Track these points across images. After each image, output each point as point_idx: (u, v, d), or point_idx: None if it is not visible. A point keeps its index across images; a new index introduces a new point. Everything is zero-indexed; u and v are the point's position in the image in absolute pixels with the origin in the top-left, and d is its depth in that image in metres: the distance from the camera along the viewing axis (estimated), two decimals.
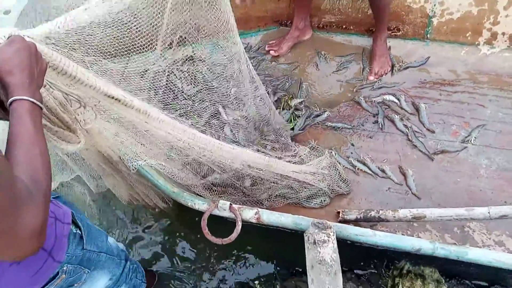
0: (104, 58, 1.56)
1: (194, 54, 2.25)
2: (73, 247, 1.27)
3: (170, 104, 2.11)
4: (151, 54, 2.14)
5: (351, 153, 2.37)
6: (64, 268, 1.22)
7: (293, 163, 2.10)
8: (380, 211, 1.89)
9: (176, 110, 2.13)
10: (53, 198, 1.38)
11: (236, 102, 2.17)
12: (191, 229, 2.36)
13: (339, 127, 2.46)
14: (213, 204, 1.57)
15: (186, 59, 2.30)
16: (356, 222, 1.96)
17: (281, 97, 2.57)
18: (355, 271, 2.04)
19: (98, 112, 1.40)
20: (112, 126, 1.51)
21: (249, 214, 1.55)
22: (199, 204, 1.61)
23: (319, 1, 2.82)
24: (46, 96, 1.13)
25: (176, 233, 2.38)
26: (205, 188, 1.96)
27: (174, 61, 2.25)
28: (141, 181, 2.00)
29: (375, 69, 2.69)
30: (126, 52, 1.79)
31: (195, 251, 2.31)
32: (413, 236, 1.99)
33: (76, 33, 1.24)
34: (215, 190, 1.99)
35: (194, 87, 2.24)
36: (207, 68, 2.33)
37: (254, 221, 1.55)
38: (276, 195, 2.09)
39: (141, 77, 2.11)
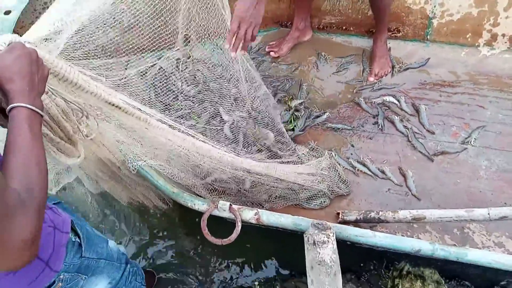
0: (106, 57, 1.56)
1: (195, 54, 2.25)
2: (71, 255, 1.26)
3: (170, 105, 2.12)
4: (152, 55, 2.15)
5: (351, 154, 2.37)
6: (61, 276, 1.22)
7: (293, 163, 2.10)
8: (380, 212, 1.89)
9: (176, 111, 2.13)
10: (53, 204, 1.37)
11: (236, 103, 2.17)
12: (191, 229, 2.36)
13: (339, 128, 2.46)
14: (213, 205, 1.57)
15: (187, 60, 2.30)
16: (356, 223, 1.96)
17: (281, 98, 2.57)
18: (355, 272, 2.04)
19: (99, 119, 1.39)
20: (112, 129, 1.51)
21: (249, 214, 1.55)
22: (198, 205, 1.61)
23: (319, 2, 2.82)
24: (48, 103, 1.12)
25: (176, 233, 2.38)
26: (205, 189, 1.96)
27: (175, 62, 2.25)
28: (141, 184, 2.01)
29: (375, 70, 2.69)
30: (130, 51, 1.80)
31: (195, 251, 2.31)
32: (413, 237, 1.99)
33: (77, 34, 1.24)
34: (215, 191, 1.99)
35: (194, 88, 2.24)
36: (207, 69, 2.33)
37: (254, 221, 1.56)
38: (276, 196, 2.09)
39: (141, 77, 2.12)
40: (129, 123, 1.39)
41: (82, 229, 1.38)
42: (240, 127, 2.15)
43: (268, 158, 2.10)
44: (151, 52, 2.12)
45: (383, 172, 2.27)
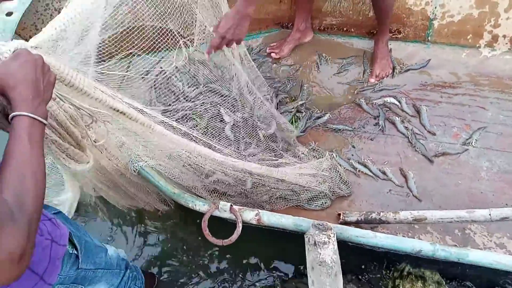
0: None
1: (196, 55, 2.25)
2: (67, 268, 1.26)
3: (171, 106, 2.12)
4: (153, 56, 2.15)
5: (352, 155, 2.37)
6: None
7: (294, 162, 2.10)
8: (381, 213, 1.89)
9: (177, 112, 2.13)
10: (53, 213, 1.37)
11: (237, 103, 2.17)
12: (191, 230, 2.36)
13: (340, 129, 2.47)
14: (213, 205, 1.57)
15: (188, 61, 2.30)
16: (357, 224, 1.96)
17: (282, 99, 2.58)
18: (355, 272, 2.04)
19: (107, 122, 1.39)
20: (115, 131, 1.51)
21: (249, 215, 1.55)
22: (199, 205, 1.61)
23: (320, 4, 2.82)
24: (56, 109, 1.12)
25: (176, 234, 2.38)
26: (206, 190, 1.96)
27: (176, 63, 2.26)
28: (141, 189, 2.01)
29: (376, 71, 2.69)
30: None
31: (196, 252, 2.31)
32: (414, 238, 1.99)
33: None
34: (216, 192, 1.99)
35: (195, 89, 2.24)
36: (209, 70, 2.33)
37: (254, 222, 1.56)
38: (277, 197, 2.09)
39: (143, 78, 2.12)
40: (133, 128, 1.40)
41: (81, 240, 1.37)
42: (241, 128, 2.15)
43: (269, 158, 2.10)
44: (152, 53, 2.13)
45: (384, 173, 2.27)
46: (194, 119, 2.16)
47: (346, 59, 2.82)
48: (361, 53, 2.84)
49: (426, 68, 2.73)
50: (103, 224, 2.45)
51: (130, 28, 1.86)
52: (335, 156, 2.29)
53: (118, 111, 1.24)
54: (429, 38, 2.80)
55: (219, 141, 2.00)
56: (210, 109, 2.19)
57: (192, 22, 2.00)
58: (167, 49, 2.08)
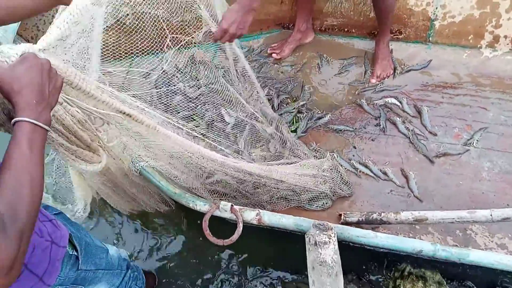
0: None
1: (197, 56, 2.26)
2: (67, 270, 1.26)
3: (173, 106, 2.13)
4: (155, 56, 2.16)
5: (353, 155, 2.37)
6: None
7: (294, 162, 2.10)
8: (382, 214, 1.89)
9: (178, 112, 2.14)
10: (54, 214, 1.37)
11: (238, 104, 2.18)
12: (192, 231, 2.36)
13: (341, 130, 2.46)
14: (214, 205, 1.57)
15: (189, 61, 2.31)
16: (357, 225, 1.96)
17: (283, 100, 2.58)
18: (356, 272, 2.03)
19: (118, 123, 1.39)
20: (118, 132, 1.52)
21: (250, 215, 1.55)
22: (200, 205, 1.61)
23: (321, 4, 2.83)
24: (63, 114, 1.11)
25: (177, 235, 2.39)
26: (207, 190, 1.96)
27: (177, 63, 2.27)
28: (144, 190, 2.01)
29: (377, 72, 2.69)
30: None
31: (196, 252, 2.31)
32: (415, 238, 1.99)
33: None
34: (217, 192, 2.00)
35: (196, 90, 2.24)
36: (210, 71, 2.34)
37: (255, 222, 1.56)
38: (278, 197, 2.09)
39: (144, 79, 2.13)
40: (137, 129, 1.40)
41: (81, 241, 1.37)
42: (242, 128, 2.16)
43: (270, 158, 2.11)
44: (153, 54, 2.14)
45: (385, 173, 2.27)
46: (194, 119, 2.17)
47: (347, 60, 2.82)
48: (362, 53, 2.84)
49: (427, 69, 2.72)
50: (105, 225, 2.46)
51: (131, 27, 1.87)
52: (336, 156, 2.29)
53: (124, 113, 1.24)
54: (430, 38, 2.80)
55: (220, 141, 2.01)
56: (211, 110, 2.20)
57: (195, 21, 2.00)
58: (168, 50, 2.08)
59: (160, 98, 2.16)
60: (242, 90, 2.20)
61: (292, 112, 2.50)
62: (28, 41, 2.17)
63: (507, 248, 2.00)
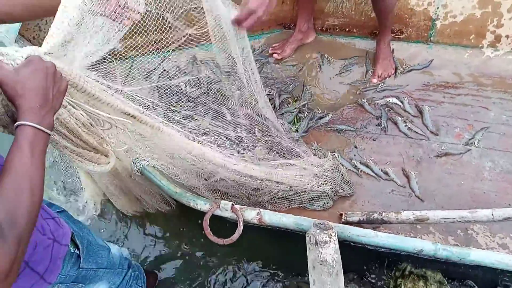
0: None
1: (198, 55, 2.26)
2: (68, 268, 1.27)
3: (174, 106, 2.13)
4: (156, 56, 2.16)
5: (354, 155, 2.37)
6: (55, 287, 1.22)
7: (295, 158, 2.10)
8: (383, 213, 1.89)
9: (179, 112, 2.14)
10: (57, 212, 1.38)
11: (239, 103, 2.18)
12: (193, 230, 2.37)
13: (342, 130, 2.46)
14: (215, 205, 1.57)
15: (190, 61, 2.31)
16: (358, 224, 1.96)
17: (285, 100, 2.58)
18: (357, 272, 2.03)
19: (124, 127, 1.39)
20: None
21: (251, 214, 1.56)
22: (201, 205, 1.62)
23: (323, 4, 2.83)
24: (67, 117, 1.11)
25: (178, 234, 2.39)
26: (208, 189, 1.96)
27: (178, 63, 2.27)
28: (145, 190, 2.02)
29: (379, 71, 2.69)
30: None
31: (197, 251, 2.31)
32: (416, 238, 1.99)
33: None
34: (217, 192, 2.00)
35: (197, 89, 2.25)
36: (211, 71, 2.34)
37: (256, 221, 1.56)
38: (279, 197, 2.09)
39: (146, 78, 2.13)
40: (141, 130, 1.40)
41: (83, 240, 1.38)
42: (243, 128, 2.16)
43: (271, 157, 2.11)
44: (155, 53, 2.14)
45: (386, 173, 2.27)
46: (196, 119, 2.17)
47: (348, 60, 2.82)
48: (364, 53, 2.84)
49: (428, 69, 2.72)
50: (107, 224, 2.47)
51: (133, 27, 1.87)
52: (337, 156, 2.29)
53: (129, 114, 1.24)
54: (431, 38, 2.80)
55: (221, 141, 2.01)
56: (212, 109, 2.20)
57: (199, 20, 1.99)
58: (169, 49, 2.08)
59: (161, 98, 2.17)
60: (244, 90, 2.20)
61: (293, 112, 2.50)
62: (30, 41, 2.18)
63: (509, 247, 1.99)
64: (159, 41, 1.79)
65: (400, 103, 2.55)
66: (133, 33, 1.47)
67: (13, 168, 0.80)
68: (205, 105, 2.22)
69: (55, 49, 1.04)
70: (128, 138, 1.51)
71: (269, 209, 2.03)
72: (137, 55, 2.01)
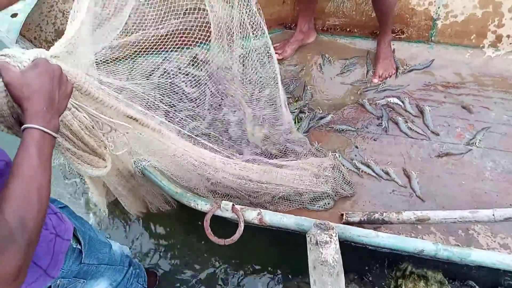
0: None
1: (199, 56, 2.26)
2: (70, 263, 1.27)
3: (175, 106, 2.13)
4: (157, 57, 2.16)
5: (355, 155, 2.37)
6: (58, 282, 1.23)
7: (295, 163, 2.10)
8: (384, 214, 1.89)
9: (180, 112, 2.14)
10: (59, 208, 1.38)
11: (240, 104, 2.18)
12: (194, 230, 2.37)
13: (343, 130, 2.46)
14: (215, 205, 1.57)
15: (191, 62, 2.31)
16: (359, 225, 1.96)
17: (285, 100, 2.58)
18: (357, 272, 2.03)
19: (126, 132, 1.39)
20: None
21: (251, 215, 1.55)
22: (201, 205, 1.62)
23: (323, 4, 2.83)
24: (71, 119, 1.12)
25: (179, 234, 2.40)
26: (208, 190, 1.97)
27: (179, 63, 2.27)
28: (148, 191, 2.02)
29: (379, 71, 2.69)
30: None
31: (198, 252, 2.31)
32: (417, 238, 1.98)
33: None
34: (218, 192, 2.00)
35: (198, 89, 2.25)
36: (212, 71, 2.34)
37: (256, 222, 1.56)
38: (280, 197, 2.09)
39: (147, 79, 2.14)
40: (143, 131, 1.41)
41: (85, 235, 1.38)
42: (244, 128, 2.16)
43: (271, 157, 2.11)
44: (156, 54, 2.14)
45: (387, 173, 2.27)
46: (196, 119, 2.17)
47: (349, 60, 2.82)
48: (364, 53, 2.84)
49: (429, 68, 2.72)
50: (108, 224, 2.47)
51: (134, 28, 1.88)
52: (338, 156, 2.29)
53: (131, 117, 1.25)
54: (432, 38, 2.79)
55: (221, 141, 2.01)
56: (213, 110, 2.20)
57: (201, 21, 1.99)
58: (170, 49, 2.09)
59: (162, 98, 2.17)
60: (244, 89, 2.20)
61: (294, 112, 2.50)
62: (31, 42, 2.18)
63: (510, 248, 1.99)
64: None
65: (401, 103, 2.55)
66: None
67: (21, 171, 0.80)
68: (205, 105, 2.22)
69: (62, 53, 1.04)
70: (129, 140, 1.52)
71: (270, 209, 2.04)
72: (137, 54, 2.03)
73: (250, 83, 2.09)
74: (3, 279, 0.71)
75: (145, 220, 2.44)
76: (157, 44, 1.97)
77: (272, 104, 2.12)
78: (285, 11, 2.93)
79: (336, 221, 2.02)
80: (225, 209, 1.56)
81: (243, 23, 1.76)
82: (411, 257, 1.89)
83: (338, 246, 1.41)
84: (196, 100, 2.21)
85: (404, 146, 2.38)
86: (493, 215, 1.69)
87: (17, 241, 0.74)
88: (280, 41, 2.92)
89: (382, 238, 1.52)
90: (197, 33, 1.96)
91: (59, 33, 2.22)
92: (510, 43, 2.68)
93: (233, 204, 1.56)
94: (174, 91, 2.16)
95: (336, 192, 2.14)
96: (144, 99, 2.00)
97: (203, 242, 2.32)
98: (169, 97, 2.14)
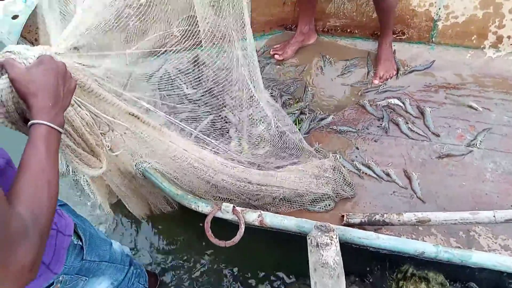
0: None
1: (199, 57, 2.26)
2: (72, 259, 1.27)
3: (175, 108, 2.13)
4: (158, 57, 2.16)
5: (356, 156, 2.37)
6: (60, 278, 1.23)
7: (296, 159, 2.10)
8: (385, 215, 1.88)
9: (181, 113, 2.14)
10: (59, 205, 1.39)
11: (240, 105, 2.18)
12: (194, 232, 2.36)
13: (343, 131, 2.46)
14: (216, 207, 1.57)
15: (191, 62, 2.31)
16: (360, 226, 1.96)
17: (286, 101, 2.58)
18: (358, 274, 2.03)
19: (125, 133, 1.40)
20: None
21: (252, 216, 1.56)
22: (202, 207, 1.62)
23: (324, 5, 2.83)
24: (73, 115, 1.13)
25: (179, 236, 2.39)
26: (208, 193, 1.96)
27: (180, 64, 2.27)
28: (149, 192, 2.02)
29: (380, 72, 2.69)
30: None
31: (198, 253, 2.31)
32: (417, 240, 1.98)
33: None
34: (219, 196, 2.00)
35: (198, 91, 2.25)
36: (213, 72, 2.34)
37: (257, 224, 1.56)
38: (280, 198, 2.09)
39: (148, 80, 2.13)
40: (144, 131, 1.41)
41: (85, 232, 1.38)
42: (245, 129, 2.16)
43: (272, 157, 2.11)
44: (157, 55, 2.14)
45: (388, 174, 2.26)
46: (197, 120, 2.17)
47: (350, 61, 2.82)
48: (365, 54, 2.84)
49: (430, 69, 2.72)
50: (109, 225, 2.47)
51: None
52: (339, 157, 2.29)
53: (133, 114, 1.25)
54: (433, 39, 2.80)
55: (222, 142, 2.01)
56: (213, 110, 2.20)
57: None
58: (171, 50, 2.09)
59: (163, 99, 2.17)
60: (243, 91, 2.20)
61: (294, 113, 2.50)
62: (32, 43, 2.18)
63: (511, 249, 1.99)
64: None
65: (401, 104, 2.55)
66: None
67: (30, 166, 0.81)
68: (205, 106, 2.22)
69: (66, 50, 1.05)
70: (129, 140, 1.52)
71: (271, 211, 2.04)
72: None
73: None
74: (19, 272, 0.72)
75: (146, 222, 2.44)
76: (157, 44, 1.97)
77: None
78: (286, 12, 2.93)
79: (337, 223, 2.02)
80: (226, 211, 1.56)
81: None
82: (413, 258, 1.89)
83: (338, 248, 1.41)
84: (196, 101, 2.21)
85: (404, 147, 2.38)
86: (494, 216, 1.69)
87: (31, 235, 0.75)
88: (280, 42, 2.92)
89: (383, 240, 1.52)
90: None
91: None
92: (511, 44, 2.68)
93: (233, 206, 1.56)
94: (175, 92, 2.16)
95: (337, 193, 2.14)
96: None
97: (204, 244, 2.32)
98: (169, 98, 2.14)
